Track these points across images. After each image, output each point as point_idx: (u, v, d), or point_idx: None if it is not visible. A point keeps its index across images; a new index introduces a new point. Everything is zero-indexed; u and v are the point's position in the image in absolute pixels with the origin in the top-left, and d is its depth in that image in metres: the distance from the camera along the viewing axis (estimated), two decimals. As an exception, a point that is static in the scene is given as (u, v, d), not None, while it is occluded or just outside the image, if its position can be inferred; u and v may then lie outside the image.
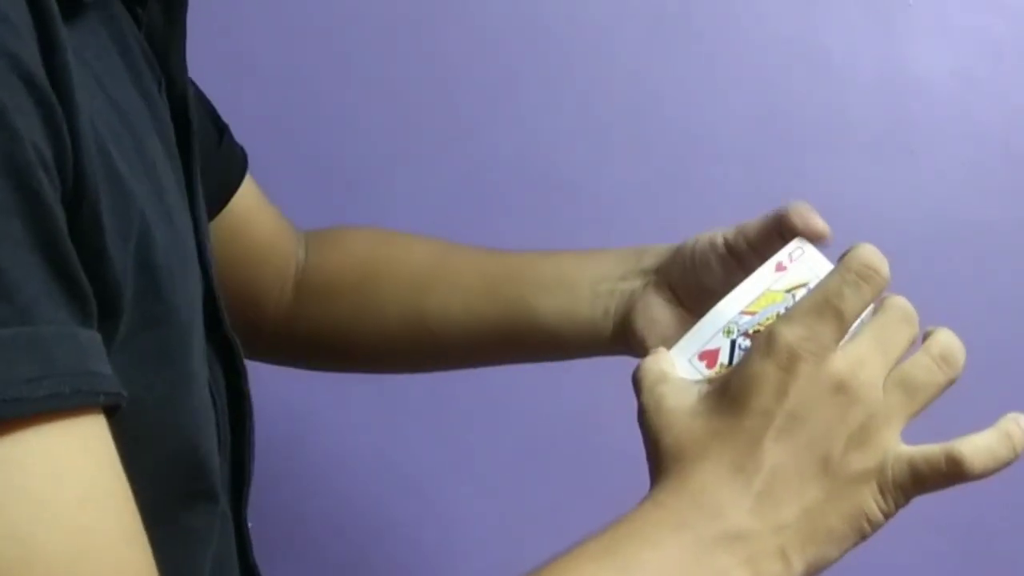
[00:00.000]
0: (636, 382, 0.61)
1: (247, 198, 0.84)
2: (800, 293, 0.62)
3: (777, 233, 0.69)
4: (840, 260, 0.58)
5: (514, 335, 0.81)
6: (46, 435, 0.42)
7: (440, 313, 0.83)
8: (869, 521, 0.56)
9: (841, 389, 0.55)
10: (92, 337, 0.45)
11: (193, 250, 0.58)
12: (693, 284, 0.75)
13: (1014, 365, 1.17)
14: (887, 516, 0.56)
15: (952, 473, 0.56)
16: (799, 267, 0.64)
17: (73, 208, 0.45)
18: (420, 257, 0.87)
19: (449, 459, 1.22)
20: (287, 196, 1.21)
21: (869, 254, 0.57)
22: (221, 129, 0.83)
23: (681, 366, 0.62)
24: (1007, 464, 0.57)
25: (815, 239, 0.67)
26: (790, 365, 0.55)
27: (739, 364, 0.58)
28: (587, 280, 0.80)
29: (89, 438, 0.44)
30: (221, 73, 1.19)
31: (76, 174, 0.45)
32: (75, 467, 0.43)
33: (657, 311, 0.76)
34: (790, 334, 0.56)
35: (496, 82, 1.21)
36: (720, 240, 0.74)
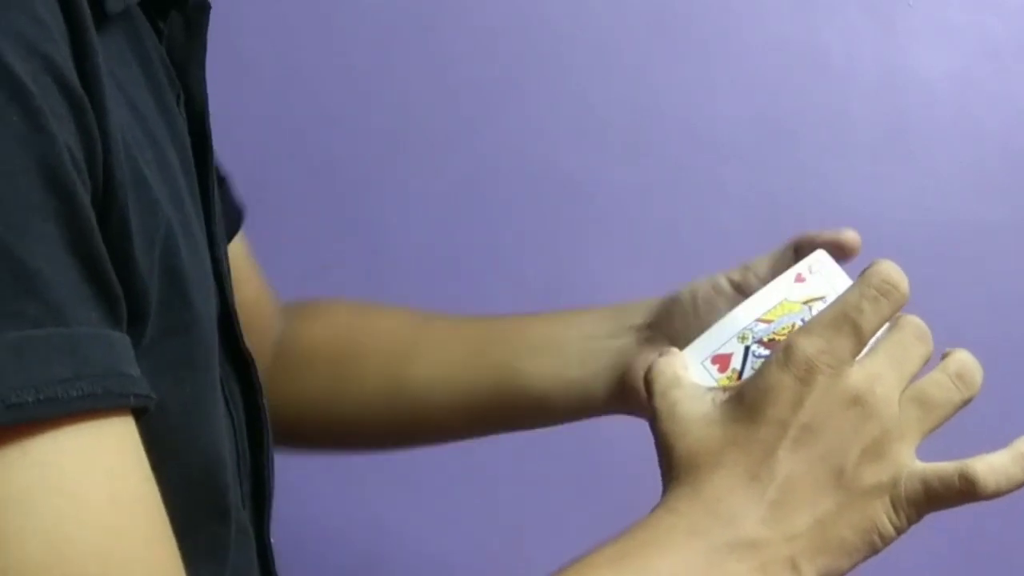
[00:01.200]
0: (648, 384, 0.60)
1: (237, 256, 0.80)
2: (817, 306, 0.62)
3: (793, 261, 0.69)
4: (860, 275, 0.58)
5: (501, 402, 0.79)
6: (79, 435, 0.42)
7: (422, 383, 0.81)
8: (881, 535, 0.56)
9: (857, 402, 0.56)
10: (122, 339, 0.45)
11: (209, 264, 0.58)
12: (697, 332, 0.74)
13: (1014, 365, 1.17)
14: (899, 532, 0.57)
15: (965, 491, 0.56)
16: (817, 279, 0.64)
17: (102, 211, 0.45)
18: (399, 326, 0.85)
19: (461, 466, 1.22)
20: (287, 196, 1.21)
21: (889, 270, 0.57)
22: (221, 179, 0.81)
23: (693, 368, 0.62)
24: (1021, 485, 0.57)
25: (848, 252, 0.67)
26: (807, 377, 0.55)
27: (756, 374, 0.58)
28: (575, 339, 0.78)
29: (120, 439, 0.44)
30: (221, 73, 1.19)
31: (106, 177, 0.45)
32: (107, 467, 0.43)
33: None
34: (809, 346, 0.56)
35: (496, 82, 1.21)
36: (724, 283, 0.74)
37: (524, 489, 1.22)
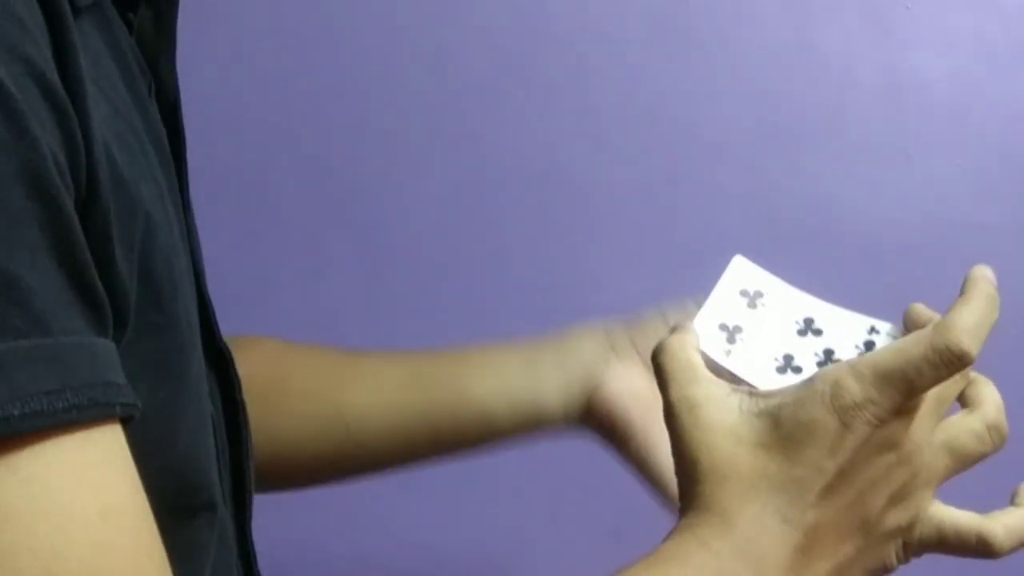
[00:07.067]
0: (660, 369, 0.59)
1: None
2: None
3: None
4: (935, 328, 0.56)
5: (444, 421, 0.78)
6: (66, 448, 0.42)
7: (360, 408, 0.79)
8: (885, 568, 0.58)
9: (892, 448, 0.56)
10: (107, 346, 0.44)
11: (187, 260, 0.57)
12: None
13: (1012, 367, 1.17)
14: (901, 564, 0.58)
15: (979, 551, 0.57)
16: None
17: (85, 216, 0.44)
18: (329, 357, 0.83)
19: (461, 465, 1.22)
20: (287, 196, 1.22)
21: (961, 338, 0.56)
22: None
23: (706, 335, 0.61)
24: None
25: None
26: (851, 422, 0.55)
27: (796, 404, 0.56)
28: (518, 351, 0.77)
29: (108, 450, 0.43)
30: (222, 73, 1.20)
31: (88, 181, 0.45)
32: (95, 480, 0.42)
33: (636, 380, 0.74)
34: (859, 393, 0.55)
35: (497, 82, 1.21)
36: (693, 306, 0.73)
37: (524, 489, 1.22)
